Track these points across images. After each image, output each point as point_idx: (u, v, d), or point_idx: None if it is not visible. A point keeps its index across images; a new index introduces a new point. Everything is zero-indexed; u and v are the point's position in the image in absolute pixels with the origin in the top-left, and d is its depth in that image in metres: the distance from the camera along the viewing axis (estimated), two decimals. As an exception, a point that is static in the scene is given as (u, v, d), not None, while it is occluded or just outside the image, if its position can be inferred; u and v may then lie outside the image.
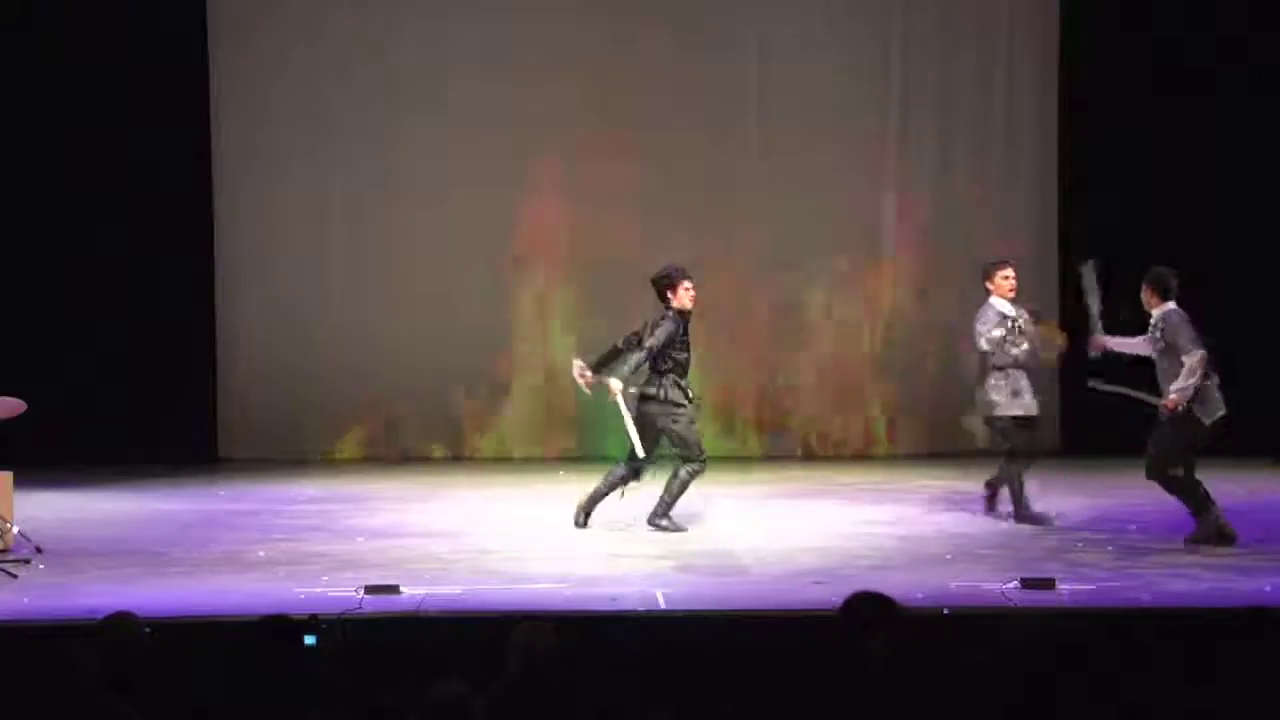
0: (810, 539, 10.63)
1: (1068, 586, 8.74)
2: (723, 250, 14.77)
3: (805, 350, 15.10)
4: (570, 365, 11.05)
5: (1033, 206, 15.22)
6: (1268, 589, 8.75)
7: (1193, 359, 10.17)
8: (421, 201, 15.04)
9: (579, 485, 13.24)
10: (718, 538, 10.78)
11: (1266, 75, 14.64)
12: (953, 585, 8.90)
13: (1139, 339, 10.60)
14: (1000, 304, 11.17)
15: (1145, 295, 10.51)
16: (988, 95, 15.19)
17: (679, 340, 10.74)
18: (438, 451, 15.18)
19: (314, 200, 15.06)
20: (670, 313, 10.76)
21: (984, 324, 11.07)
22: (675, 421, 10.77)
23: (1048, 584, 8.75)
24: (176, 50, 14.70)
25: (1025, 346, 11.07)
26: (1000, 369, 11.02)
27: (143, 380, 14.44)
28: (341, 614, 8.03)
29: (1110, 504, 11.85)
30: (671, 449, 10.95)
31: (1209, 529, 10.23)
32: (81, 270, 14.57)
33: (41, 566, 9.76)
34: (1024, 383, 11.06)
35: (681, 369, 10.78)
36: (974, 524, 11.19)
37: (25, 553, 10.00)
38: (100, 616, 6.15)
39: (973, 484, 12.85)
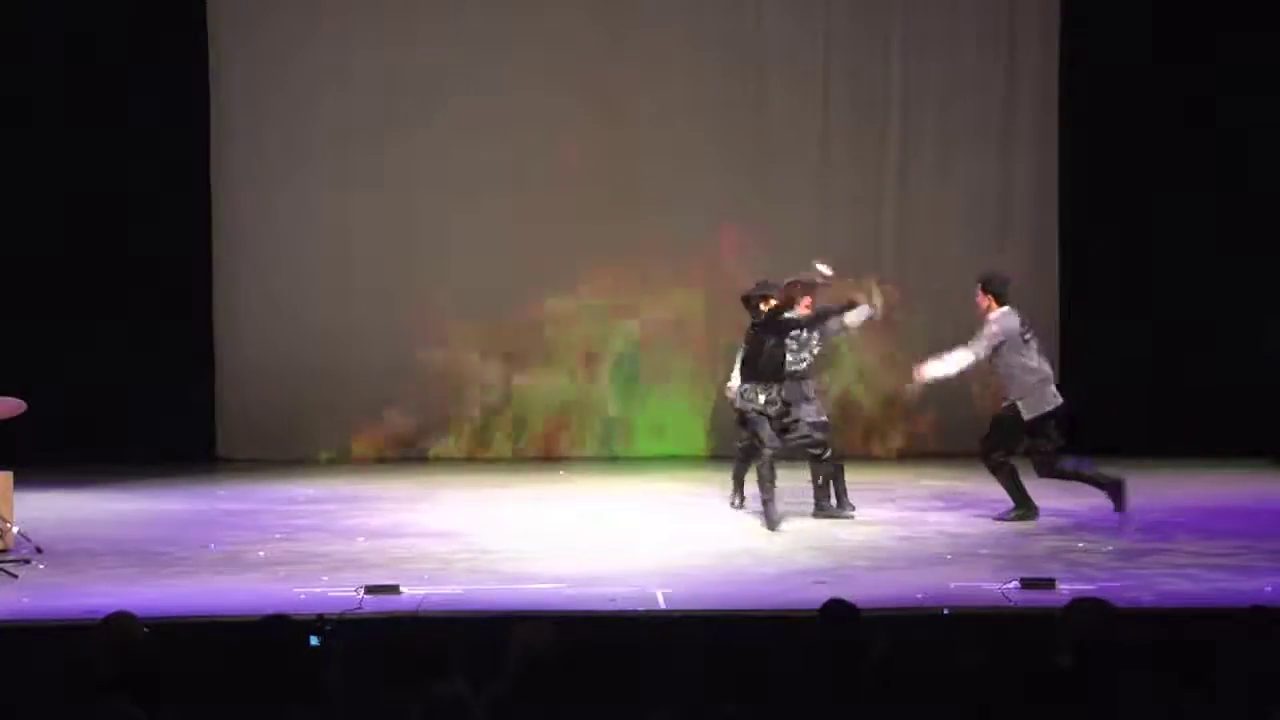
0: (810, 539, 10.63)
1: (1068, 586, 8.73)
2: (721, 249, 14.78)
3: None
4: None
5: (1032, 207, 15.21)
6: (1268, 589, 8.74)
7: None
8: (421, 202, 15.04)
9: (579, 485, 13.28)
10: (717, 538, 10.78)
11: (1266, 74, 14.63)
12: (953, 585, 8.90)
13: (956, 356, 11.27)
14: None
15: (983, 300, 11.21)
16: (988, 95, 15.18)
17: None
18: (438, 451, 15.18)
19: (313, 201, 15.05)
20: None
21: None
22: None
23: (1048, 584, 8.75)
24: (176, 52, 14.70)
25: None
26: None
27: (143, 380, 14.43)
28: (341, 614, 8.03)
29: (1110, 504, 11.83)
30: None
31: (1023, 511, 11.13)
32: (81, 270, 14.57)
33: (41, 566, 9.75)
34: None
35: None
36: (974, 524, 11.19)
37: (25, 553, 9.99)
38: (100, 616, 6.14)
39: (973, 484, 12.87)
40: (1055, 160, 15.09)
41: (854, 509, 11.43)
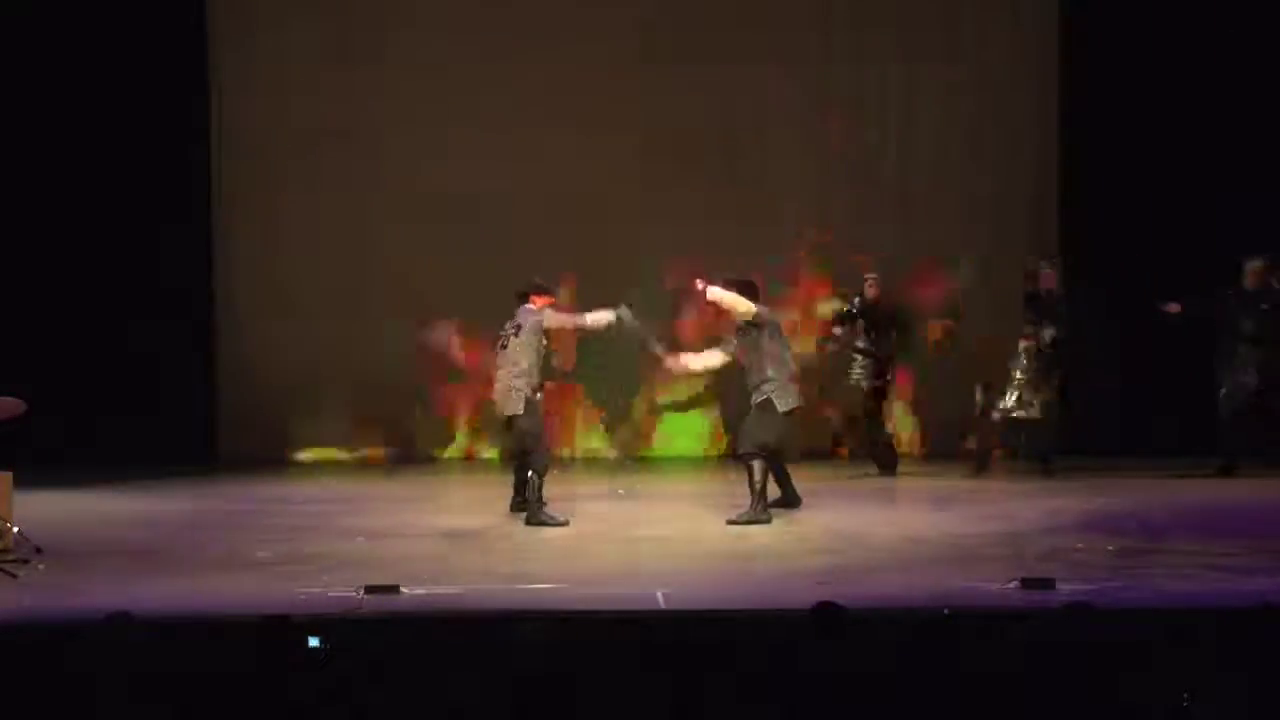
0: (810, 539, 10.63)
1: (1068, 586, 8.73)
2: (721, 249, 14.78)
3: (804, 349, 15.09)
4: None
5: (1031, 207, 15.20)
6: (1268, 589, 8.73)
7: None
8: (420, 204, 15.04)
9: (578, 485, 13.29)
10: (718, 538, 10.78)
11: (1265, 73, 14.63)
12: (953, 585, 8.90)
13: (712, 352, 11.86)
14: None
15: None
16: (988, 95, 15.17)
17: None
18: (437, 451, 15.18)
19: (314, 202, 15.06)
20: None
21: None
22: None
23: (1048, 584, 8.75)
24: (177, 53, 14.71)
25: None
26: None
27: (142, 380, 14.43)
28: (341, 614, 8.03)
29: (1110, 504, 11.85)
30: None
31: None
32: (82, 270, 14.57)
33: (41, 566, 9.75)
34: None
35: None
36: (974, 524, 11.18)
37: (25, 553, 9.98)
38: (100, 616, 6.14)
39: (973, 484, 12.88)
40: (1055, 159, 15.09)
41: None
